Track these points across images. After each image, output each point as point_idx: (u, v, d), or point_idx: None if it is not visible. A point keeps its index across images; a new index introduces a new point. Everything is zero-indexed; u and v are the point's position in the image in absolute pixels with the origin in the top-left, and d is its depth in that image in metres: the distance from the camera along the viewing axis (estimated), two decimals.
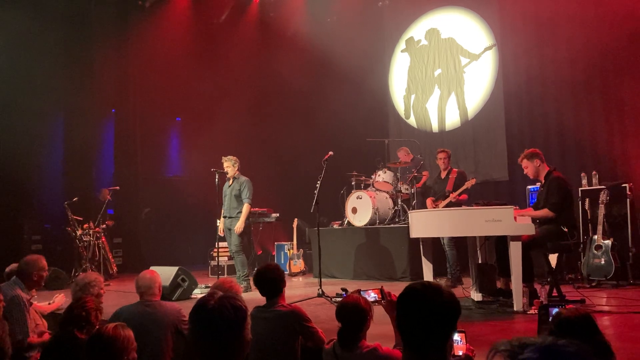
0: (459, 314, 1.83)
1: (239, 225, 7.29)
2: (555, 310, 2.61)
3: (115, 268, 9.51)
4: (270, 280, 3.50)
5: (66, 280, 8.29)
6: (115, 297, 6.69)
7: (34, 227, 9.85)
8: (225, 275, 8.87)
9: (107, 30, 10.53)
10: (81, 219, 9.15)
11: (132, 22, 10.82)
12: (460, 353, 2.81)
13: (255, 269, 3.83)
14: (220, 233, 7.64)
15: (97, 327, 3.33)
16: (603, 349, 2.20)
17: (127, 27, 10.84)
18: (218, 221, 7.68)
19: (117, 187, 9.74)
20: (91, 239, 9.04)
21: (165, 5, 11.24)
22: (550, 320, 2.53)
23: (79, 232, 8.96)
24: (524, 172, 5.66)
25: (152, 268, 7.10)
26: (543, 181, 5.49)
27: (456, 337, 2.91)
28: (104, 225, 9.43)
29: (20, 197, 9.65)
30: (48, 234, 9.96)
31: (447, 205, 7.03)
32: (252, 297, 4.05)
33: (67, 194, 9.47)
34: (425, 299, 1.80)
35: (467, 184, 7.02)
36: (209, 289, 3.74)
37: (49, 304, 4.95)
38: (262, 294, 3.54)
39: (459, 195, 7.05)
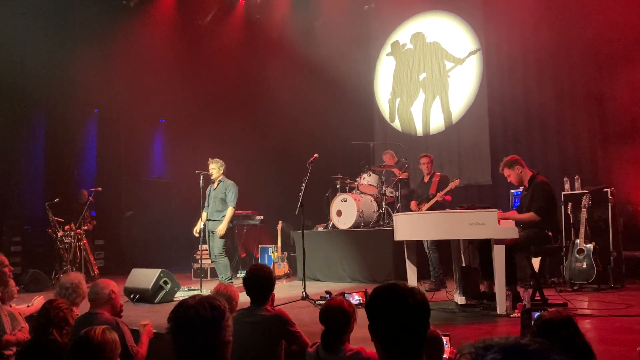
0: (427, 313, 1.81)
1: (221, 228, 7.22)
2: (537, 314, 2.63)
3: (97, 270, 9.37)
4: (262, 284, 3.43)
5: (46, 282, 8.18)
6: None
7: (13, 228, 9.67)
8: (208, 278, 8.84)
9: (91, 30, 10.40)
10: (62, 220, 9.03)
11: (116, 21, 10.70)
12: (445, 356, 2.82)
13: (241, 270, 3.77)
14: (195, 233, 7.52)
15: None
16: (584, 350, 2.22)
17: (111, 27, 10.70)
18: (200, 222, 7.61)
19: (99, 189, 9.60)
20: (72, 240, 8.92)
21: (150, 5, 11.15)
22: (532, 323, 2.54)
23: (59, 234, 8.83)
24: (508, 181, 5.70)
25: (134, 270, 7.08)
26: (527, 185, 5.52)
27: None
28: (86, 227, 9.31)
29: None
30: (28, 235, 9.80)
31: (432, 205, 7.08)
32: (240, 301, 3.98)
33: (48, 195, 9.34)
34: (391, 301, 1.78)
35: (452, 185, 7.11)
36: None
37: (28, 306, 4.86)
38: (249, 295, 3.45)
39: (444, 195, 7.11)
